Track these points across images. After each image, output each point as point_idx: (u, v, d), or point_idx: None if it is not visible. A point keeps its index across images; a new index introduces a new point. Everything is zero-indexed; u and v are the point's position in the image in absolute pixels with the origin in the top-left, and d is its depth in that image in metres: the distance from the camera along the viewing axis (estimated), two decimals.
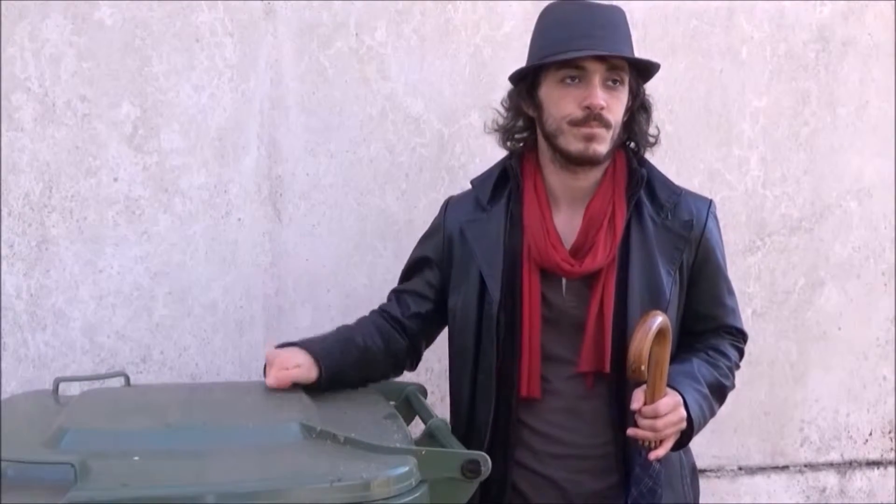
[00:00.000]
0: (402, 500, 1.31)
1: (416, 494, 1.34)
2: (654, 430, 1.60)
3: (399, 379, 1.98)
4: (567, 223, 1.75)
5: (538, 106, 1.74)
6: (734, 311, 1.84)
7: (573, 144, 1.68)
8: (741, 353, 1.85)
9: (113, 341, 2.16)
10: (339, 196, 2.26)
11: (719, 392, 1.76)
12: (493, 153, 2.34)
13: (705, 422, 1.72)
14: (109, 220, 2.14)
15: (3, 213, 2.08)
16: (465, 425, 1.79)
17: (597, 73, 1.65)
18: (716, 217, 1.81)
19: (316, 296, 2.27)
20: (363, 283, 2.29)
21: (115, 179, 2.14)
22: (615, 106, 1.68)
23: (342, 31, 2.23)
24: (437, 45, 2.29)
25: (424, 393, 1.89)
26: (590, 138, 1.67)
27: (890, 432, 2.73)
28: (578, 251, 1.71)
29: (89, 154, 2.12)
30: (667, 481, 1.69)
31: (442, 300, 1.86)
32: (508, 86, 2.33)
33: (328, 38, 2.23)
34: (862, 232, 2.63)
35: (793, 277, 2.59)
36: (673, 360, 1.70)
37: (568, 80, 1.67)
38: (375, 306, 2.30)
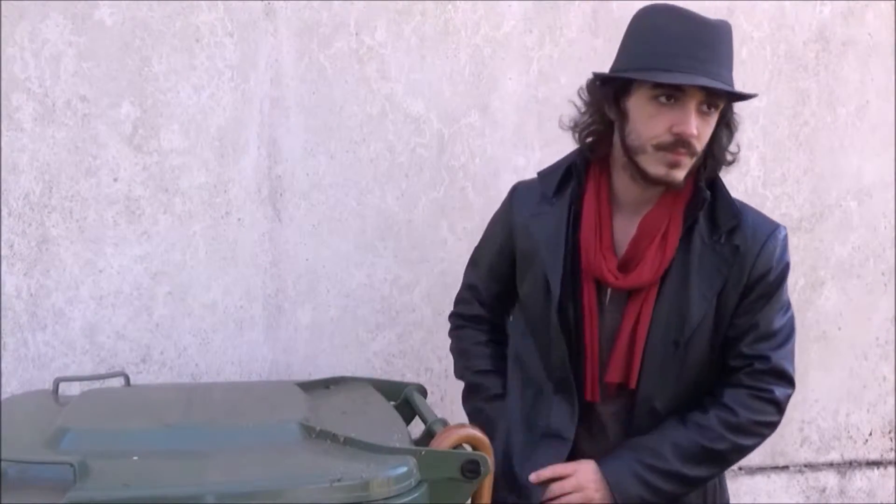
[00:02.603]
0: (402, 500, 1.32)
1: (416, 494, 1.34)
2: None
3: (399, 379, 1.98)
4: (623, 229, 1.70)
5: (623, 114, 1.64)
6: (776, 351, 1.68)
7: (654, 167, 1.60)
8: (772, 403, 1.68)
9: (113, 341, 2.16)
10: (339, 196, 2.26)
11: (707, 456, 1.67)
12: (493, 153, 2.35)
13: (656, 495, 1.66)
14: (109, 220, 2.14)
15: (3, 213, 2.08)
16: (536, 415, 1.76)
17: (695, 99, 1.57)
18: (779, 245, 1.68)
19: (316, 296, 2.27)
20: (363, 283, 2.29)
21: (115, 179, 2.14)
22: (705, 133, 1.61)
23: (342, 31, 2.23)
24: (437, 45, 2.29)
25: (424, 393, 1.89)
26: (673, 165, 1.59)
27: (890, 432, 2.73)
28: (628, 263, 1.67)
29: (89, 154, 2.12)
30: None
31: (512, 283, 1.84)
32: (507, 86, 2.35)
33: (328, 38, 2.23)
34: (862, 232, 2.63)
35: (793, 277, 2.56)
36: (675, 412, 1.69)
37: (662, 99, 1.57)
38: (375, 306, 2.32)
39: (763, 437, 1.71)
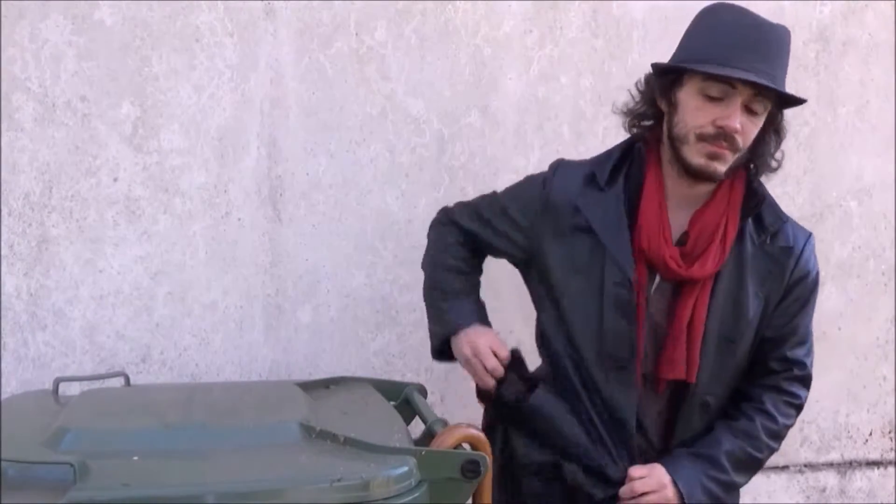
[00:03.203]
0: (402, 500, 1.32)
1: (416, 494, 1.34)
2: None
3: (399, 379, 1.97)
4: (674, 221, 1.71)
5: (673, 105, 1.67)
6: (808, 357, 1.78)
7: (695, 158, 1.64)
8: (799, 409, 1.79)
9: (113, 341, 2.16)
10: (339, 196, 2.26)
11: (751, 464, 1.76)
12: (493, 153, 2.35)
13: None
14: (109, 220, 2.14)
15: (3, 213, 2.08)
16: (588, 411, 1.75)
17: (742, 95, 1.60)
18: (813, 252, 1.77)
19: (316, 296, 2.27)
20: (363, 283, 2.29)
21: (115, 179, 2.14)
22: (750, 131, 1.64)
23: (342, 31, 2.23)
24: (437, 45, 2.29)
25: (424, 393, 1.89)
26: (713, 157, 1.62)
27: (890, 432, 2.73)
28: (687, 255, 1.69)
29: (89, 154, 2.12)
30: None
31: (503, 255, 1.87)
32: (507, 86, 2.35)
33: (328, 38, 2.23)
34: (862, 232, 2.63)
35: None
36: (722, 415, 1.75)
37: (712, 93, 1.62)
38: (375, 306, 2.32)
39: (782, 440, 1.79)
